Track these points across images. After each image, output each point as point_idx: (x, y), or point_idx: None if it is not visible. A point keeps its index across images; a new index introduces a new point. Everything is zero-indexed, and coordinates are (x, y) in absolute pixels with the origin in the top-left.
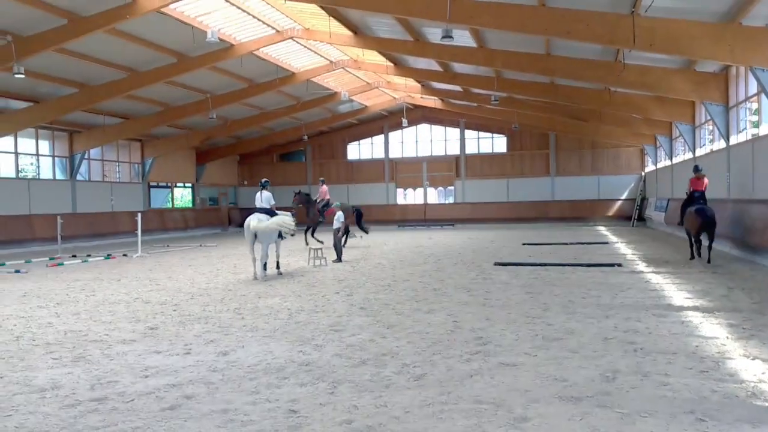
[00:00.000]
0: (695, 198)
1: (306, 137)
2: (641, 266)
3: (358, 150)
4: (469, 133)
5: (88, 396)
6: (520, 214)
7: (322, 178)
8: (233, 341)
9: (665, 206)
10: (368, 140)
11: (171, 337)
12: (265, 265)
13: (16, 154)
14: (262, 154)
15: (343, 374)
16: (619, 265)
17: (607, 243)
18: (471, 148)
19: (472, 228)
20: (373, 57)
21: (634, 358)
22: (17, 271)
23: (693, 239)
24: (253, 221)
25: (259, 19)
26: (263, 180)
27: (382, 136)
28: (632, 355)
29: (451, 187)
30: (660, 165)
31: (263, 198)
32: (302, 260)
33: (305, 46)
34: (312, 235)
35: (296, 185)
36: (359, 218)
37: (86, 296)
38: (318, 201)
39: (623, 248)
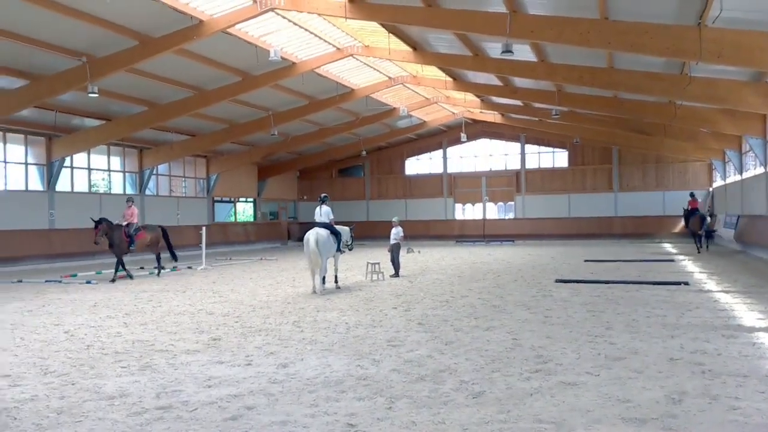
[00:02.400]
0: (692, 212)
1: (365, 152)
2: (709, 285)
3: (417, 165)
4: (530, 148)
5: (154, 404)
6: (582, 230)
7: (129, 196)
8: (293, 354)
9: (735, 223)
10: (427, 155)
11: (233, 349)
12: (323, 279)
13: (89, 169)
14: (321, 169)
15: (400, 390)
16: (686, 283)
17: (672, 260)
18: (531, 163)
19: (532, 244)
20: (432, 72)
21: (702, 380)
22: (88, 282)
23: (696, 237)
24: (312, 235)
25: (320, 38)
26: (322, 195)
27: (440, 151)
28: (700, 376)
29: (511, 203)
30: (729, 180)
31: (322, 212)
32: (360, 275)
33: (365, 63)
34: (121, 267)
35: (355, 200)
36: (167, 239)
37: (153, 307)
38: (125, 225)
39: (690, 266)
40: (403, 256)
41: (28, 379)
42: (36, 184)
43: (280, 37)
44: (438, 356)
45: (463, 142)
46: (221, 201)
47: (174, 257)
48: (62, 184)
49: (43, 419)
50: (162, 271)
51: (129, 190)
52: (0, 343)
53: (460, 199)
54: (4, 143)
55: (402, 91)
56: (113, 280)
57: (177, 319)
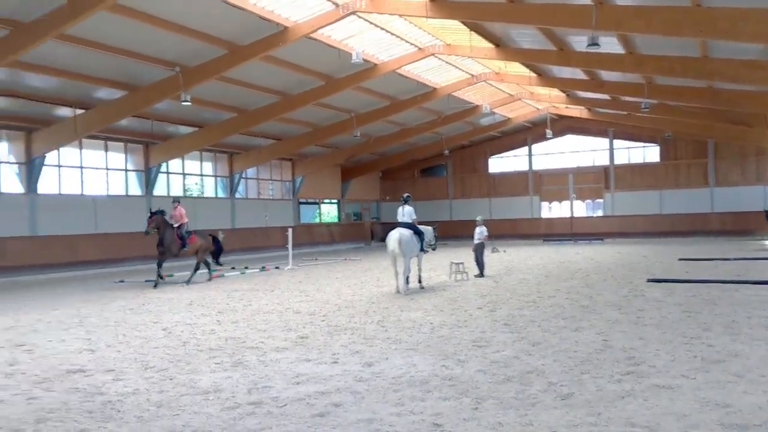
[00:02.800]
0: None
1: (447, 151)
2: None
3: (501, 163)
4: (618, 143)
5: (246, 399)
6: (675, 228)
7: (175, 197)
8: (377, 353)
9: None
10: (511, 153)
11: (320, 347)
12: (407, 278)
13: (184, 174)
14: (403, 169)
15: (487, 390)
16: None
17: None
18: (620, 159)
19: (622, 242)
20: (516, 68)
21: None
22: (184, 282)
23: None
24: (395, 235)
25: (401, 38)
26: (405, 195)
27: (525, 148)
28: None
29: (600, 200)
30: None
31: (405, 212)
32: (444, 275)
33: (446, 62)
34: (158, 267)
35: (438, 200)
36: (218, 248)
37: (244, 306)
38: (177, 226)
39: None
40: (488, 256)
41: (130, 374)
42: (135, 189)
43: (362, 39)
44: (525, 357)
45: (549, 138)
46: (306, 203)
47: (218, 263)
48: (159, 189)
49: (143, 412)
50: (193, 277)
51: (220, 194)
52: (104, 339)
53: (547, 197)
54: (106, 151)
55: (485, 89)
56: (156, 285)
57: (266, 317)
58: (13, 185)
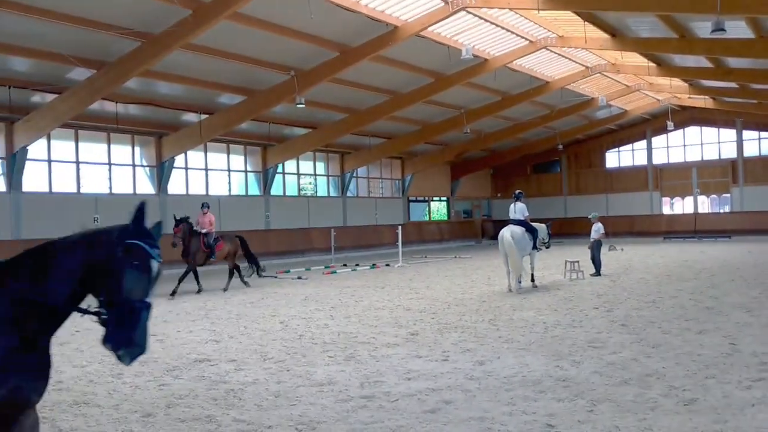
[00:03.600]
0: None
1: (561, 146)
2: None
3: (618, 157)
4: (748, 134)
5: (358, 393)
6: None
7: (205, 202)
8: (489, 351)
9: None
10: (629, 147)
11: (430, 344)
12: (519, 277)
13: (298, 175)
14: (515, 165)
15: (603, 392)
16: None
17: None
18: (750, 150)
19: (753, 240)
20: (633, 58)
21: None
22: (299, 278)
23: None
24: (507, 233)
25: (511, 32)
26: (517, 191)
27: (644, 142)
28: None
29: (727, 195)
30: None
31: (517, 209)
32: (558, 273)
33: (559, 54)
34: (196, 279)
35: (551, 196)
36: (246, 249)
37: (355, 302)
38: (204, 234)
39: None
40: (605, 254)
41: (250, 364)
42: (254, 189)
43: (472, 35)
44: (644, 360)
45: (670, 130)
46: (416, 200)
47: (257, 267)
48: (276, 189)
49: (263, 401)
50: (232, 282)
51: (333, 193)
52: (227, 331)
53: (668, 193)
54: (228, 154)
55: (600, 81)
56: (174, 293)
57: (377, 313)
58: (146, 186)
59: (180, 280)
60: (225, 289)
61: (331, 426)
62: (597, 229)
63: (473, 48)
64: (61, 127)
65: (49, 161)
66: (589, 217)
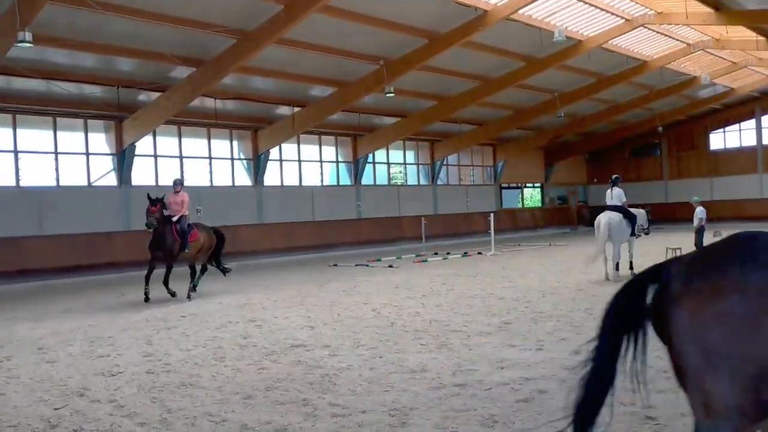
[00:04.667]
0: None
1: (661, 128)
2: None
3: (723, 138)
4: None
5: (451, 381)
6: None
7: (178, 179)
8: (585, 341)
9: None
10: (735, 127)
11: (524, 333)
12: (617, 265)
13: (388, 164)
14: (611, 149)
15: None
16: None
17: None
18: None
19: None
20: (739, 33)
21: None
22: (390, 266)
23: None
24: (604, 219)
25: (606, 11)
26: (614, 176)
27: (752, 121)
28: None
29: None
30: None
31: (614, 195)
32: (658, 260)
33: (657, 32)
34: (166, 280)
35: (650, 181)
36: (220, 248)
37: (447, 290)
38: (176, 220)
39: None
40: (709, 241)
41: (344, 350)
42: (345, 179)
43: (564, 15)
44: None
45: None
46: (508, 187)
47: (223, 270)
48: (366, 178)
49: (356, 386)
50: (196, 288)
51: (423, 182)
52: (321, 318)
53: None
54: (319, 145)
55: (703, 58)
56: (147, 298)
57: (469, 302)
58: (243, 179)
59: (166, 283)
60: (189, 295)
61: (424, 413)
62: (698, 213)
63: (566, 29)
64: (165, 124)
65: (155, 156)
66: (692, 201)
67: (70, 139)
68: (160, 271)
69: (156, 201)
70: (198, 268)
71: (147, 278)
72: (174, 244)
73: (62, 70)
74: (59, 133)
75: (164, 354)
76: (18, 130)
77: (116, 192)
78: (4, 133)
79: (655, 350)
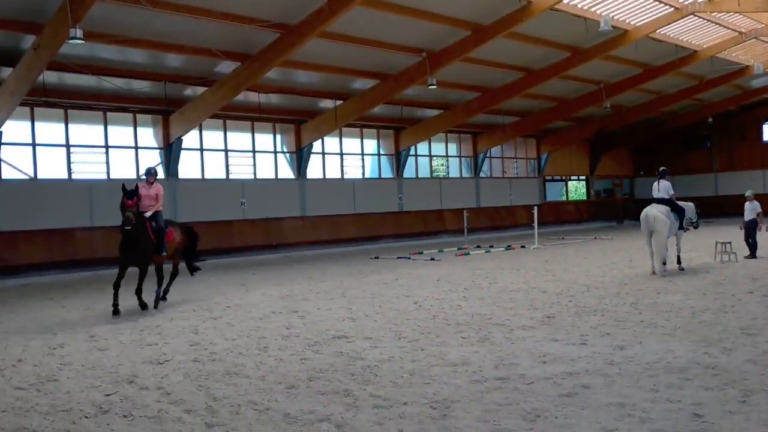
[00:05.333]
0: None
1: (711, 120)
2: None
3: None
4: None
5: (493, 374)
6: None
7: (151, 168)
8: (630, 336)
9: None
10: None
11: (567, 327)
12: (664, 259)
13: (430, 156)
14: (659, 141)
15: (757, 382)
16: None
17: None
18: None
19: None
20: None
21: None
22: (432, 259)
23: None
24: (651, 212)
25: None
26: (661, 169)
27: None
28: None
29: None
30: None
31: (661, 188)
32: (707, 255)
33: (708, 20)
34: (138, 287)
35: (699, 174)
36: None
37: (489, 283)
38: (147, 215)
39: None
40: (762, 235)
41: (385, 342)
42: (387, 172)
43: (610, 5)
44: None
45: None
46: (552, 180)
47: (193, 270)
48: (408, 171)
49: (398, 378)
50: (166, 297)
51: (465, 174)
52: (363, 309)
53: None
54: (361, 138)
55: (755, 46)
56: (117, 311)
57: (512, 295)
58: (286, 172)
59: (138, 292)
60: (155, 305)
61: (465, 405)
62: (752, 208)
63: (612, 18)
64: (210, 118)
65: (202, 150)
66: (746, 194)
67: (120, 133)
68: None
69: (133, 193)
70: (168, 273)
71: (116, 286)
72: (149, 246)
73: (112, 66)
74: (109, 128)
75: (210, 343)
76: (69, 125)
77: (164, 185)
78: (57, 127)
79: (703, 347)
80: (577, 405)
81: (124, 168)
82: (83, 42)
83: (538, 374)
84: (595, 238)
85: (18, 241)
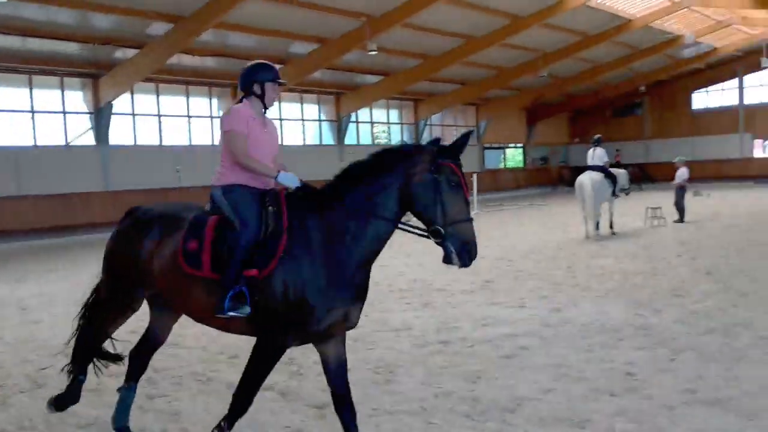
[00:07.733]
0: None
1: (643, 88)
2: None
3: (705, 99)
4: None
5: (435, 338)
6: None
7: None
8: (565, 299)
9: None
10: (717, 87)
11: (506, 291)
12: (597, 224)
13: (371, 123)
14: (594, 109)
15: (685, 342)
16: None
17: None
18: None
19: None
20: None
21: None
22: None
23: None
24: (585, 179)
25: None
26: (596, 136)
27: (735, 81)
28: None
29: None
30: None
31: (596, 155)
32: (638, 220)
33: None
34: None
35: (632, 140)
36: None
37: (429, 250)
38: None
39: None
40: (690, 200)
41: None
42: (328, 138)
43: None
44: (731, 309)
45: (765, 68)
46: (490, 148)
47: None
48: (350, 138)
49: None
50: None
51: (406, 141)
52: None
53: (762, 134)
54: (301, 103)
55: (687, 16)
56: None
57: None
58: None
59: None
60: None
61: (409, 369)
62: (681, 174)
63: None
64: (143, 82)
65: (133, 115)
66: (675, 161)
67: (47, 97)
68: None
69: None
70: None
71: None
72: None
73: (38, 27)
74: (35, 92)
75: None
76: None
77: (94, 151)
78: None
79: (634, 308)
80: (516, 366)
81: (51, 134)
82: (6, 0)
83: (478, 337)
84: (531, 204)
85: None
